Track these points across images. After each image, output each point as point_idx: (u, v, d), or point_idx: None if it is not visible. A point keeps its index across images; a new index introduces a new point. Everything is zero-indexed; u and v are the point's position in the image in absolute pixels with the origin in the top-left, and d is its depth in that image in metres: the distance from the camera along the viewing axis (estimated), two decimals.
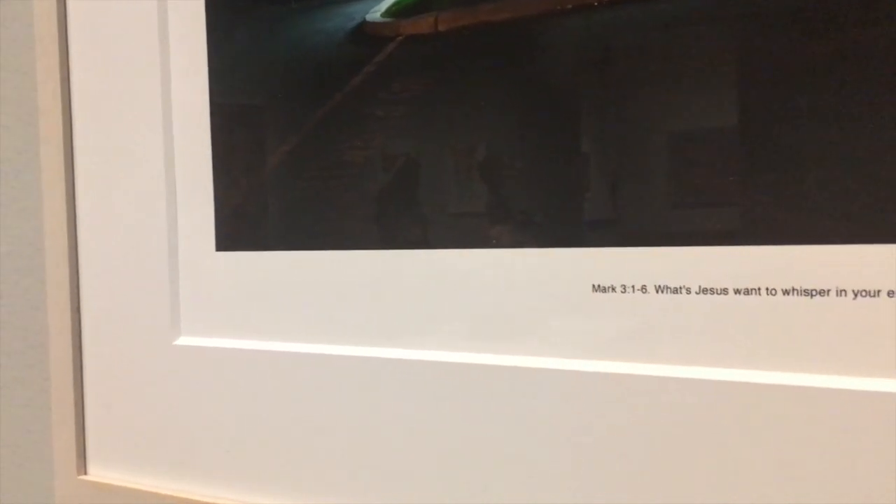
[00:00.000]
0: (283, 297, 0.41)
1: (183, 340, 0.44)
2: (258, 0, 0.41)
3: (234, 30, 0.42)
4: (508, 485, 0.35)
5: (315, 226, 0.40)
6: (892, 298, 0.28)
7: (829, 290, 0.29)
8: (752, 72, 0.30)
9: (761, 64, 0.30)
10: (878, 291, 0.28)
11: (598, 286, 0.33)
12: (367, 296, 0.39)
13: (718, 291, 0.31)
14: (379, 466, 0.38)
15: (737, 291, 0.31)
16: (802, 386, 0.29)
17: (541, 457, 0.34)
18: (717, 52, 0.31)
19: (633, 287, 0.33)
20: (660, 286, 0.32)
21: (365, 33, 0.38)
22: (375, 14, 0.38)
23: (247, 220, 0.42)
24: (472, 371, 0.36)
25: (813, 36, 0.29)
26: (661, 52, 0.32)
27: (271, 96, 0.41)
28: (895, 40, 0.28)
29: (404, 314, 0.38)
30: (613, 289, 0.33)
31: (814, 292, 0.29)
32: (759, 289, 0.30)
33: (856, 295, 0.29)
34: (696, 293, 0.32)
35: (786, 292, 0.30)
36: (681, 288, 0.32)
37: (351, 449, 0.39)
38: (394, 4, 0.38)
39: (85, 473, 0.48)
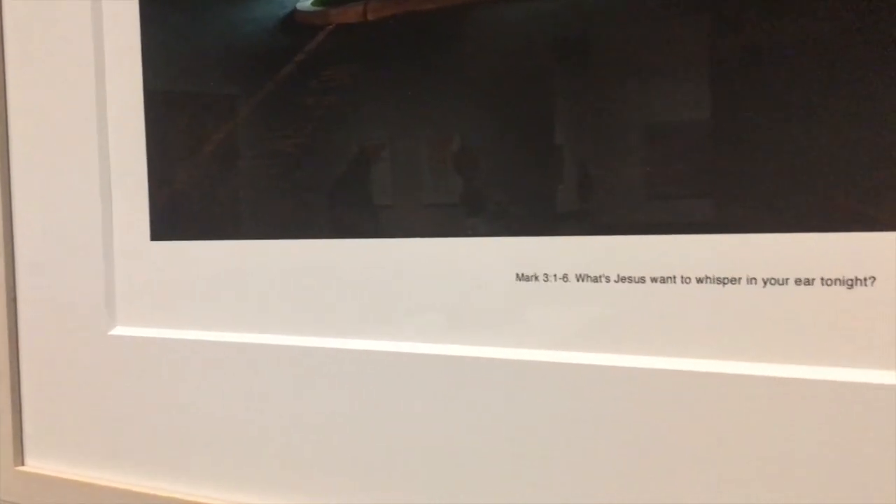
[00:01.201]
0: (218, 287, 0.41)
1: (118, 330, 0.44)
2: None
3: (168, 17, 0.42)
4: (444, 473, 0.36)
5: (248, 215, 0.40)
6: (800, 287, 0.29)
7: (740, 279, 0.30)
8: (680, 64, 0.30)
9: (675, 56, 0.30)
10: (787, 280, 0.29)
11: (522, 275, 0.34)
12: (300, 285, 0.39)
13: (636, 280, 0.31)
14: (314, 457, 0.39)
15: (653, 280, 0.31)
16: (714, 373, 0.30)
17: (459, 442, 0.35)
18: (633, 42, 0.31)
19: (555, 276, 0.33)
20: (580, 275, 0.33)
21: (295, 22, 0.38)
22: (306, 3, 0.38)
23: (181, 210, 0.42)
24: (398, 359, 0.36)
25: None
26: (576, 42, 0.32)
27: (204, 84, 0.41)
28: (809, 35, 0.28)
29: (336, 303, 0.38)
30: (536, 277, 0.33)
31: (725, 280, 0.30)
32: (674, 277, 0.31)
33: (765, 283, 0.29)
34: (616, 281, 0.32)
35: (699, 280, 0.30)
36: (600, 276, 0.32)
37: (289, 439, 0.39)
38: None
39: (22, 464, 0.48)
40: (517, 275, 0.34)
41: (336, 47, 0.37)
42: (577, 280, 0.33)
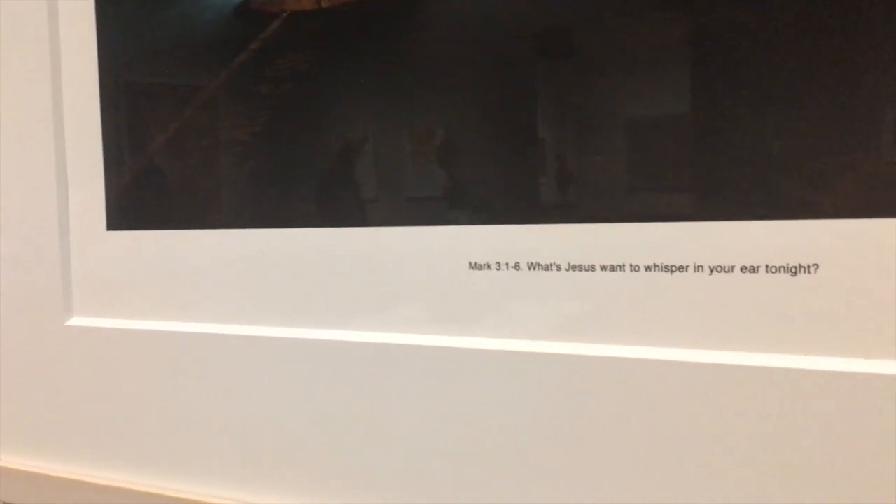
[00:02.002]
0: (174, 277, 0.41)
1: (76, 321, 0.44)
2: None
3: (123, 4, 0.41)
4: (398, 457, 0.36)
5: (204, 205, 0.40)
6: (745, 274, 0.29)
7: (687, 267, 0.30)
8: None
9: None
10: (733, 267, 0.29)
11: (475, 263, 0.34)
12: (254, 275, 0.38)
13: (586, 268, 0.32)
14: (272, 448, 0.38)
15: (603, 268, 0.31)
16: (663, 360, 0.30)
17: (403, 430, 0.35)
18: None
19: (506, 264, 0.33)
20: (532, 263, 0.33)
21: (251, 9, 0.38)
22: None
23: (138, 199, 0.42)
24: (351, 349, 0.36)
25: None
26: (534, 28, 0.32)
27: (161, 73, 0.41)
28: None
29: (290, 293, 0.38)
30: (489, 266, 0.33)
31: (673, 268, 0.30)
32: (623, 265, 0.31)
33: (712, 271, 0.29)
34: (566, 270, 0.32)
35: (648, 268, 0.30)
36: (551, 265, 0.32)
37: (248, 429, 0.39)
38: None
39: None
40: (470, 263, 0.34)
41: (291, 35, 0.37)
42: (529, 269, 0.33)
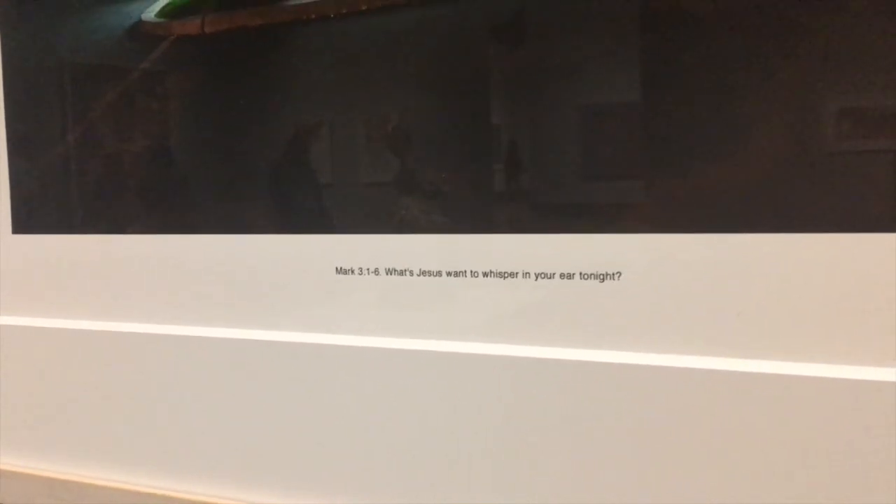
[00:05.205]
0: (79, 279, 0.44)
1: None
2: None
3: (25, 19, 0.44)
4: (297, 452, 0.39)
5: (105, 210, 0.43)
6: (563, 280, 0.33)
7: (517, 273, 0.34)
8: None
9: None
10: (553, 274, 0.33)
11: (340, 268, 0.37)
12: (153, 276, 0.42)
13: (434, 273, 0.36)
14: (174, 441, 0.42)
15: (448, 273, 0.35)
16: (496, 355, 0.34)
17: (293, 422, 0.39)
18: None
19: (368, 269, 0.37)
20: (389, 269, 0.36)
21: (141, 31, 0.41)
22: (150, 14, 0.41)
23: (42, 205, 0.45)
24: (228, 345, 0.39)
25: None
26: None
27: (60, 87, 0.44)
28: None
29: (182, 295, 0.41)
30: (352, 271, 0.37)
31: (506, 274, 0.34)
32: (465, 271, 0.35)
33: (537, 277, 0.34)
34: (418, 275, 0.36)
35: (485, 274, 0.35)
36: (405, 270, 0.36)
37: (152, 426, 0.42)
38: (167, 5, 0.40)
39: None
40: (336, 268, 0.37)
41: (178, 57, 0.40)
42: (387, 273, 0.36)
